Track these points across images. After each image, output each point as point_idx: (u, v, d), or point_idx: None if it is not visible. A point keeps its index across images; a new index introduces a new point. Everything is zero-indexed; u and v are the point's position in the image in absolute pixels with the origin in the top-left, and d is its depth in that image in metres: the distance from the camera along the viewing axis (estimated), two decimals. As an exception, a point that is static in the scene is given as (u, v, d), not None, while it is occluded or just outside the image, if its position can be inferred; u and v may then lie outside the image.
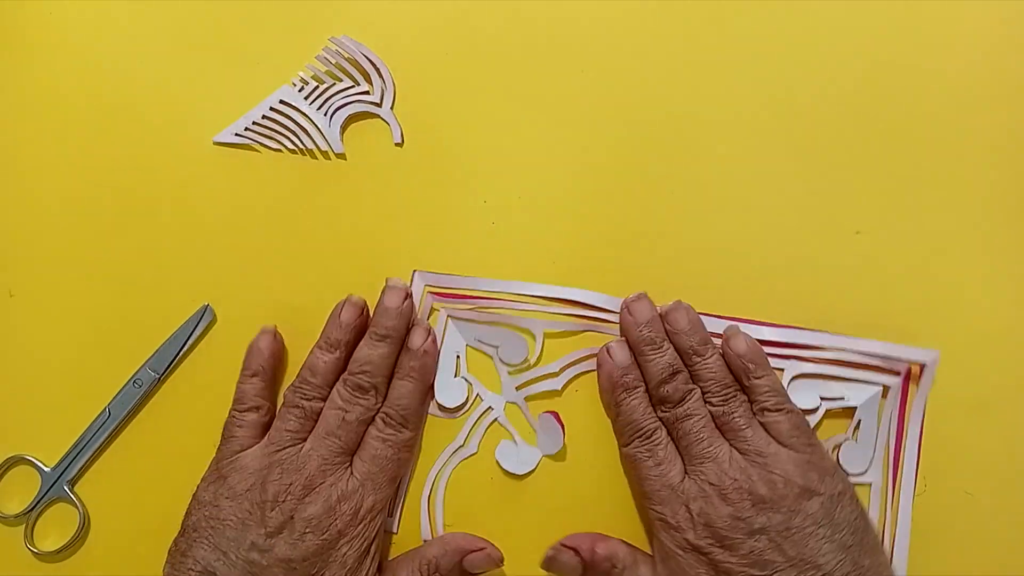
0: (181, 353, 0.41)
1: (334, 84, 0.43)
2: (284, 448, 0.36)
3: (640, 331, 0.38)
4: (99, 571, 0.39)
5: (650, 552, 0.37)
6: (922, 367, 0.39)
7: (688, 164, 0.42)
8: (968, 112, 0.42)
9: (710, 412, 0.36)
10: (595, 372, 0.39)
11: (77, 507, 0.39)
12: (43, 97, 0.44)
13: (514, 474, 0.39)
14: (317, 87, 0.43)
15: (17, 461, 0.40)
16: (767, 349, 0.38)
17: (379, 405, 0.37)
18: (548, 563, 0.37)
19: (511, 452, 0.39)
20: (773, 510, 0.33)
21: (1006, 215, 0.41)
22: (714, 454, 0.35)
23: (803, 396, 0.39)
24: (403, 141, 0.43)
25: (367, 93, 0.43)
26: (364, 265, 0.42)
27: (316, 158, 0.43)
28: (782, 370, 0.39)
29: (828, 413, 0.39)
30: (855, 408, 0.39)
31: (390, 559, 0.37)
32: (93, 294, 0.42)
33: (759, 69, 0.43)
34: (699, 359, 0.37)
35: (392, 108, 0.43)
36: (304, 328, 0.41)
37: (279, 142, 0.43)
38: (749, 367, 0.37)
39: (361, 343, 0.38)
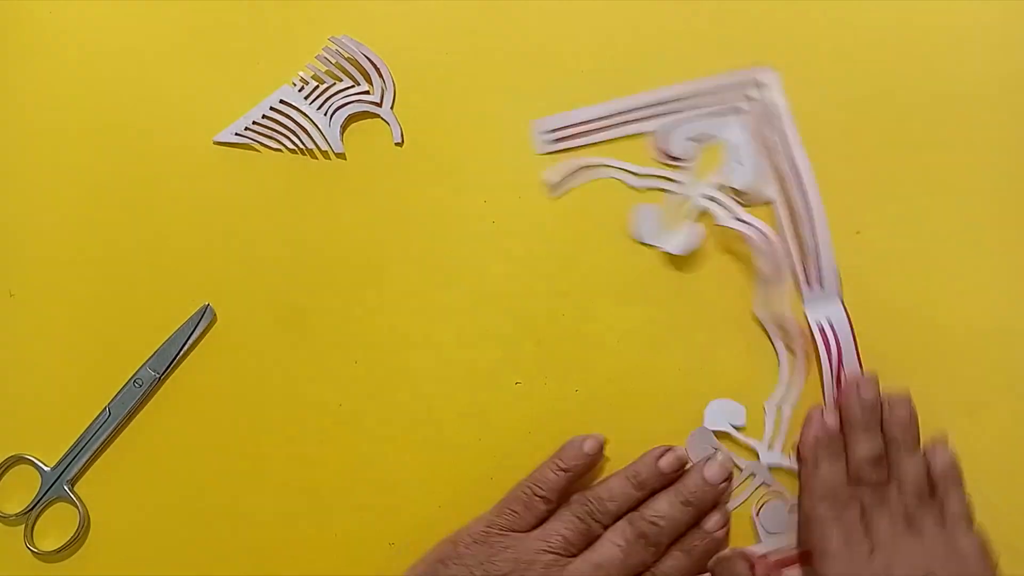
0: (181, 353, 0.41)
1: (334, 84, 0.43)
2: (554, 553, 0.35)
3: (860, 412, 0.38)
4: (99, 571, 0.39)
5: None
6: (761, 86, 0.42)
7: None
8: (968, 112, 0.42)
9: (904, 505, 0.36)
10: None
11: (77, 507, 0.39)
12: (43, 97, 0.44)
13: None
14: (317, 87, 0.43)
15: (17, 461, 0.40)
16: (630, 116, 0.42)
17: (651, 563, 0.36)
18: (718, 562, 0.37)
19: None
20: None
21: (1006, 215, 0.41)
22: (902, 548, 0.35)
23: (675, 148, 0.41)
24: (403, 141, 0.43)
25: (367, 93, 0.43)
26: (364, 265, 0.42)
27: (316, 158, 0.43)
28: (654, 132, 0.42)
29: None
30: (726, 142, 0.41)
31: None
32: (93, 294, 0.42)
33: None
34: (907, 455, 0.37)
35: (392, 108, 0.43)
36: (305, 327, 0.41)
37: (279, 142, 0.43)
38: (947, 485, 0.37)
39: (663, 495, 0.37)
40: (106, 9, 0.45)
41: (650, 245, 0.41)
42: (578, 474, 0.38)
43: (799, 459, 0.38)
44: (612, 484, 0.37)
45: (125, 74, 0.44)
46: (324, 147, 0.42)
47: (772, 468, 0.39)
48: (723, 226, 0.40)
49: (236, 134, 0.43)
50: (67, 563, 0.39)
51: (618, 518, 0.37)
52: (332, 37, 0.43)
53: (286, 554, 0.39)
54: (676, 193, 0.41)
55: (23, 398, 0.41)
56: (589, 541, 0.36)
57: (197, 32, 0.45)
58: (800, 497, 0.38)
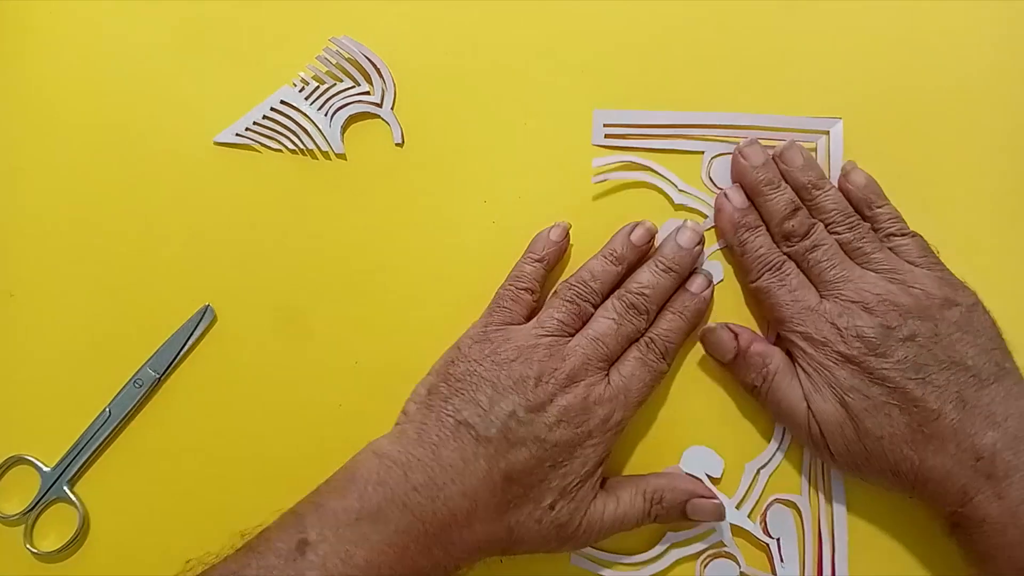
0: (181, 353, 0.41)
1: (334, 84, 0.43)
2: (552, 335, 0.37)
3: (756, 173, 0.39)
4: (99, 571, 0.39)
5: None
6: (828, 134, 0.41)
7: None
8: (968, 112, 0.42)
9: (837, 241, 0.38)
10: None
11: (77, 507, 0.39)
12: (43, 98, 0.44)
13: None
14: (317, 87, 0.43)
15: (17, 461, 0.40)
16: (685, 131, 0.42)
17: (645, 329, 0.38)
18: (705, 335, 0.38)
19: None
20: (919, 318, 0.35)
21: (1006, 215, 0.41)
22: (849, 276, 0.37)
23: (724, 173, 0.41)
24: (403, 141, 0.43)
25: (367, 93, 0.43)
26: (364, 265, 0.42)
27: (316, 158, 0.43)
28: (702, 152, 0.41)
29: None
30: None
31: (608, 479, 0.37)
32: (93, 294, 0.42)
33: (758, 69, 0.43)
34: (819, 192, 0.39)
35: (392, 108, 0.43)
36: (304, 327, 0.41)
37: (280, 142, 0.43)
38: (871, 197, 0.39)
39: (644, 267, 0.39)
40: (107, 10, 0.45)
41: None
42: (551, 263, 0.40)
43: (728, 248, 0.40)
44: (592, 265, 0.39)
45: (125, 74, 0.44)
46: (324, 147, 0.42)
47: (734, 529, 0.38)
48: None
49: (236, 135, 0.43)
50: (67, 563, 0.39)
51: (605, 297, 0.38)
52: (332, 38, 0.43)
53: (286, 554, 0.39)
54: (710, 219, 0.41)
55: (23, 398, 0.41)
56: (583, 321, 0.38)
57: (197, 32, 0.45)
58: (745, 282, 0.39)
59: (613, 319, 0.37)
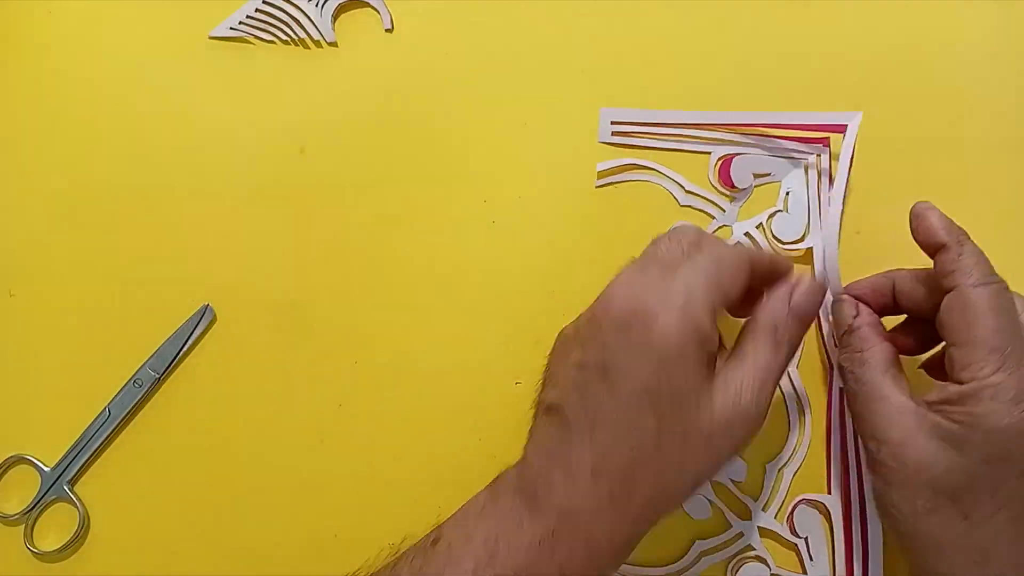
0: (181, 353, 0.41)
1: None
2: None
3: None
4: (99, 571, 0.39)
5: None
6: (845, 127, 0.40)
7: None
8: (969, 112, 0.42)
9: None
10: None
11: (77, 507, 0.39)
12: (41, 97, 0.44)
13: None
14: None
15: (17, 461, 0.40)
16: (697, 132, 0.41)
17: None
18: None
19: None
20: None
21: (1006, 215, 0.41)
22: None
23: (735, 175, 0.41)
24: (393, 27, 0.43)
25: None
26: (364, 266, 0.42)
27: (309, 47, 0.44)
28: (709, 153, 0.41)
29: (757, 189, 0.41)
30: (781, 182, 0.40)
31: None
32: (93, 294, 0.42)
33: (756, 68, 0.43)
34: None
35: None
36: (305, 327, 0.41)
37: (272, 34, 0.43)
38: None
39: None
40: (106, 9, 0.45)
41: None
42: None
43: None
44: None
45: (125, 75, 0.44)
46: (316, 37, 0.43)
47: (762, 531, 0.38)
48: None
49: (231, 28, 0.44)
50: (67, 563, 0.39)
51: None
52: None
53: (286, 554, 0.39)
54: (717, 220, 0.41)
55: (23, 398, 0.41)
56: None
57: (198, 32, 0.45)
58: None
59: None
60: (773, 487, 0.39)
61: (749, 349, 0.32)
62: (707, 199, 0.41)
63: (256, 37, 0.44)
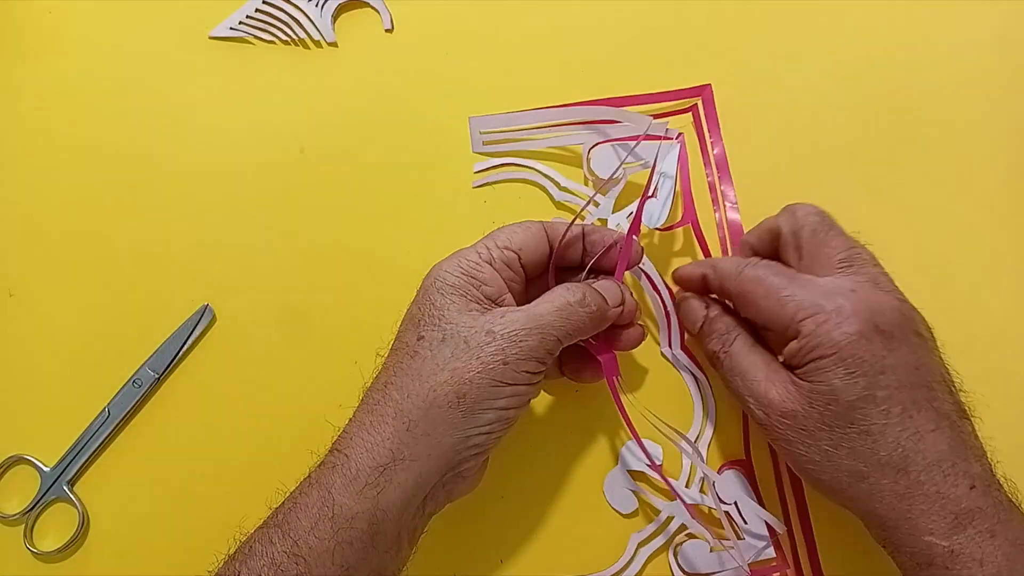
0: (181, 353, 0.41)
1: None
2: None
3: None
4: (98, 571, 0.39)
5: None
6: (699, 101, 0.41)
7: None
8: (968, 112, 0.42)
9: None
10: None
11: (76, 507, 0.39)
12: (42, 97, 0.44)
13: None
14: None
15: (17, 461, 0.40)
16: (561, 128, 0.41)
17: None
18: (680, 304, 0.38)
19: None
20: None
21: (1006, 215, 0.41)
22: None
23: (604, 164, 0.40)
24: (393, 27, 0.43)
25: None
26: (365, 265, 0.42)
27: (309, 48, 0.44)
28: (581, 144, 0.41)
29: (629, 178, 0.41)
30: (653, 166, 0.39)
31: None
32: (93, 294, 0.42)
33: (758, 68, 0.43)
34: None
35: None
36: (304, 327, 0.41)
37: (272, 34, 0.44)
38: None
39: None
40: (106, 10, 0.45)
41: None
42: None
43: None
44: None
45: (125, 75, 0.44)
46: (316, 37, 0.43)
47: (693, 509, 0.38)
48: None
49: (231, 28, 0.44)
50: (67, 563, 0.39)
51: None
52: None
53: (286, 554, 0.39)
54: (592, 214, 0.41)
55: (23, 398, 0.41)
56: None
57: (198, 32, 0.45)
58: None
59: None
60: (691, 464, 0.39)
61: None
62: (582, 194, 0.41)
63: (256, 37, 0.44)
